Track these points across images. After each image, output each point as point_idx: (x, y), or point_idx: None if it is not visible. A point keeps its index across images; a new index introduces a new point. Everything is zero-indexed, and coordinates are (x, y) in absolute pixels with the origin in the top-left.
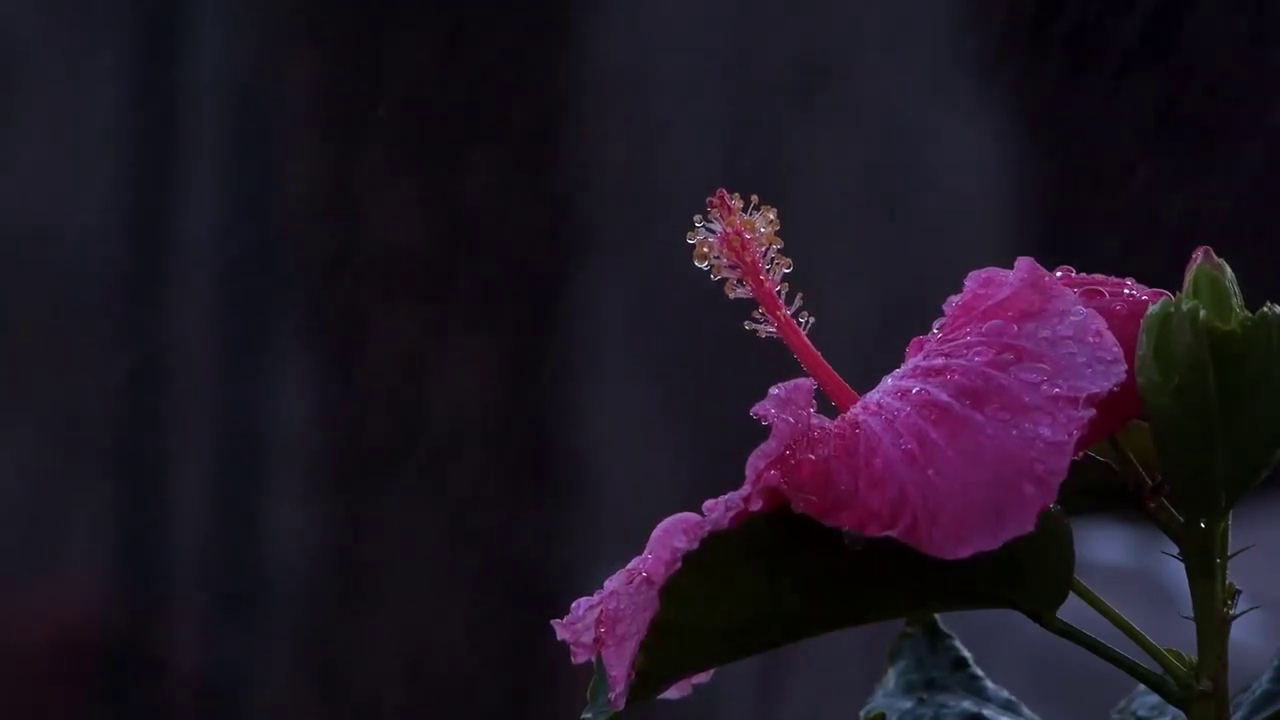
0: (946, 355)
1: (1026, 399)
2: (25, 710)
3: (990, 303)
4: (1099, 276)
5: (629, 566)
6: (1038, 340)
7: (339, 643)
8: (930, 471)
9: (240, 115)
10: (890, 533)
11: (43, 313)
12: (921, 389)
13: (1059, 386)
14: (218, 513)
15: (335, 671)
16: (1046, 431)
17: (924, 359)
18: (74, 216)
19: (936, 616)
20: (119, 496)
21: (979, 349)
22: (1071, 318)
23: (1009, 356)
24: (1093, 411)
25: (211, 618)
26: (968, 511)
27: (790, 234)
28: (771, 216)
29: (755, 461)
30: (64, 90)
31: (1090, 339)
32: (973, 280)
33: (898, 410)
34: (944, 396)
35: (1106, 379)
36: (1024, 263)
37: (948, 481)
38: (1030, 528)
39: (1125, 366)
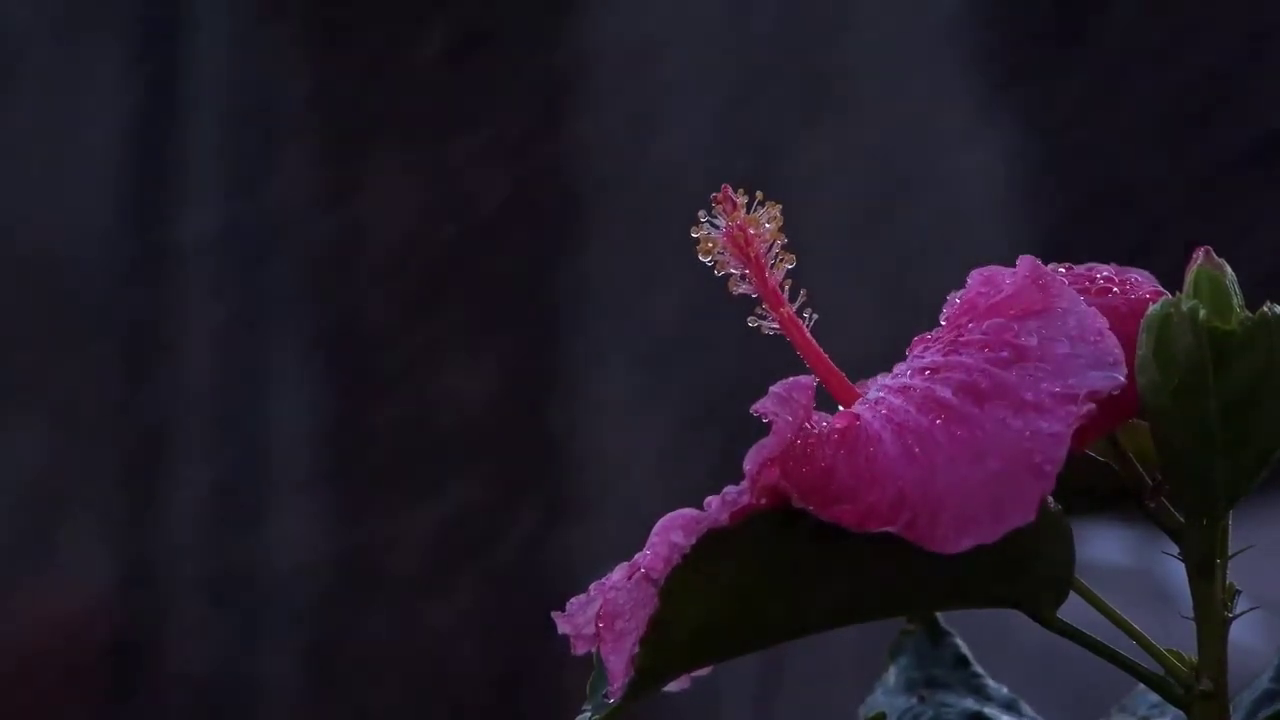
0: (948, 353)
1: (1027, 395)
2: (26, 710)
3: (993, 300)
4: (1097, 267)
5: (629, 562)
6: (1040, 339)
7: (339, 643)
8: (930, 468)
9: (240, 115)
10: (890, 529)
11: (43, 312)
12: (923, 386)
13: (1059, 385)
14: (218, 513)
15: (336, 671)
16: (1044, 424)
17: (926, 356)
18: (74, 216)
19: (937, 614)
20: (119, 497)
21: (981, 347)
22: (1074, 316)
23: (1010, 355)
24: (1092, 406)
25: (212, 618)
26: (967, 506)
27: (793, 231)
28: (775, 213)
29: (755, 458)
30: (64, 90)
31: (1091, 338)
32: (975, 278)
33: (899, 407)
34: (945, 393)
35: (1107, 381)
36: (1026, 261)
37: (947, 477)
38: (1031, 518)
39: (1126, 370)
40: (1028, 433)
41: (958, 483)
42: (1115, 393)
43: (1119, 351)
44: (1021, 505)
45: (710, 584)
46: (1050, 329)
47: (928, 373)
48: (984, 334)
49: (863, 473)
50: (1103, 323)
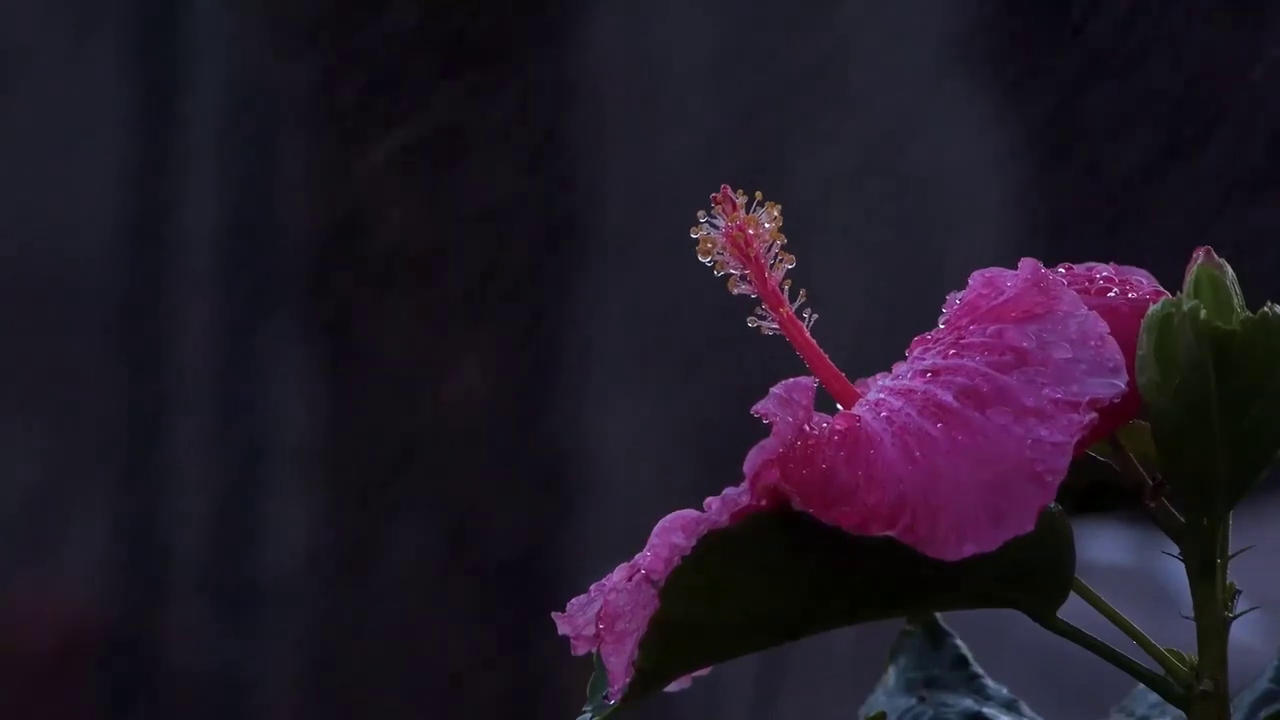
0: (949, 355)
1: (1028, 401)
2: (25, 710)
3: (994, 303)
4: (1097, 267)
5: (629, 563)
6: (1041, 343)
7: (339, 642)
8: (930, 472)
9: (239, 114)
10: (890, 533)
11: (43, 312)
12: (924, 389)
13: (1060, 392)
14: (218, 512)
15: (335, 671)
16: (1046, 432)
17: (927, 358)
18: (73, 216)
19: (937, 615)
20: (119, 496)
21: (982, 350)
22: (1075, 320)
23: (1012, 359)
24: (1095, 416)
25: (211, 617)
26: (967, 512)
27: (792, 231)
28: (775, 213)
29: (754, 459)
30: (62, 88)
31: (1092, 343)
32: (976, 279)
33: (899, 410)
34: (946, 397)
35: (1108, 389)
36: (1027, 263)
37: (947, 482)
38: (1030, 528)
39: (1127, 377)
40: (1029, 440)
41: (958, 488)
42: (1116, 400)
43: (1119, 357)
44: (1020, 515)
45: (711, 585)
46: (1051, 333)
47: (928, 375)
48: (985, 337)
49: (862, 474)
50: (1103, 327)
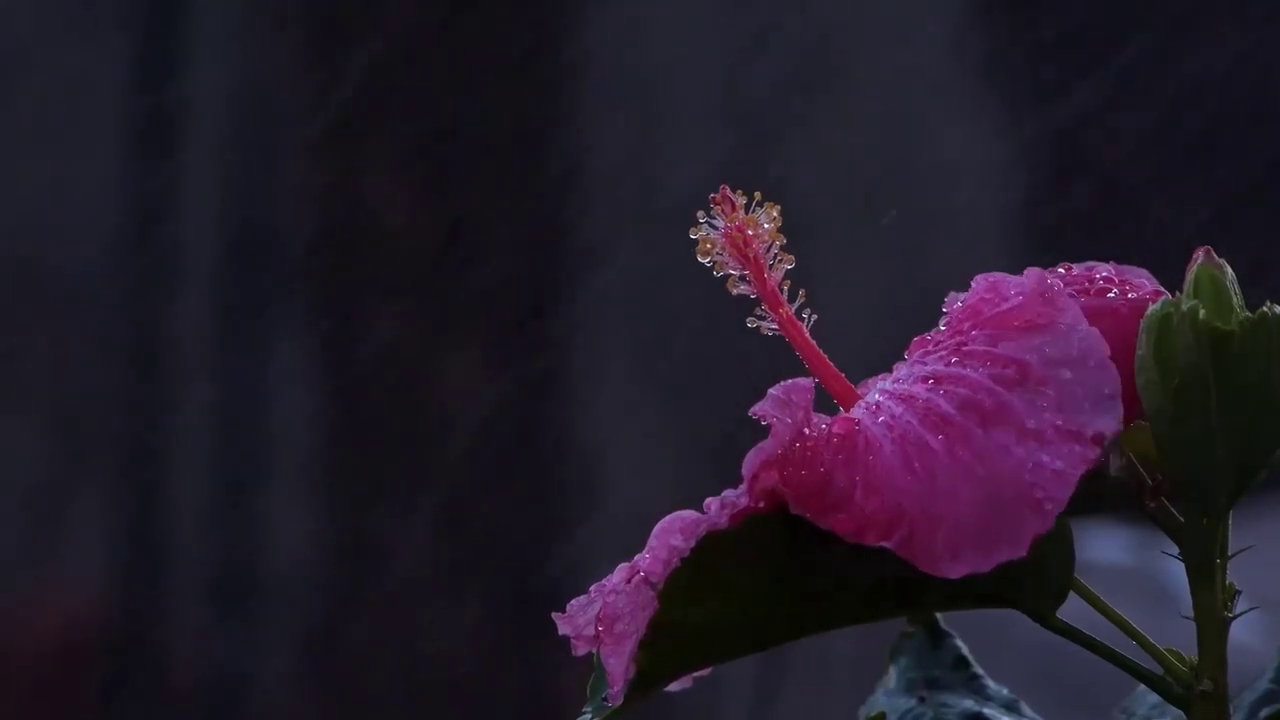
0: (951, 363)
1: (1030, 423)
2: (25, 710)
3: (997, 309)
4: (1097, 267)
5: (629, 564)
6: (1043, 359)
7: (339, 642)
8: (930, 486)
9: (239, 115)
10: (885, 543)
11: (42, 312)
12: (925, 397)
13: (1061, 418)
14: (218, 512)
15: (335, 671)
16: (1047, 458)
17: (928, 362)
18: (73, 216)
19: (937, 615)
20: (119, 496)
21: (985, 360)
22: (1077, 336)
23: (1015, 373)
24: (1099, 451)
25: (211, 617)
26: (963, 531)
27: (791, 231)
28: (774, 214)
29: (753, 461)
30: (63, 90)
31: (1091, 364)
32: (980, 283)
33: (900, 416)
34: (948, 408)
35: (1109, 425)
36: (1033, 273)
37: (946, 499)
38: (1023, 553)
39: (1123, 409)
40: (1030, 464)
41: (957, 506)
42: (1114, 435)
43: (1117, 383)
44: (1015, 541)
45: (709, 586)
46: (1054, 350)
47: (930, 382)
48: (988, 346)
49: (860, 479)
50: (1104, 349)
